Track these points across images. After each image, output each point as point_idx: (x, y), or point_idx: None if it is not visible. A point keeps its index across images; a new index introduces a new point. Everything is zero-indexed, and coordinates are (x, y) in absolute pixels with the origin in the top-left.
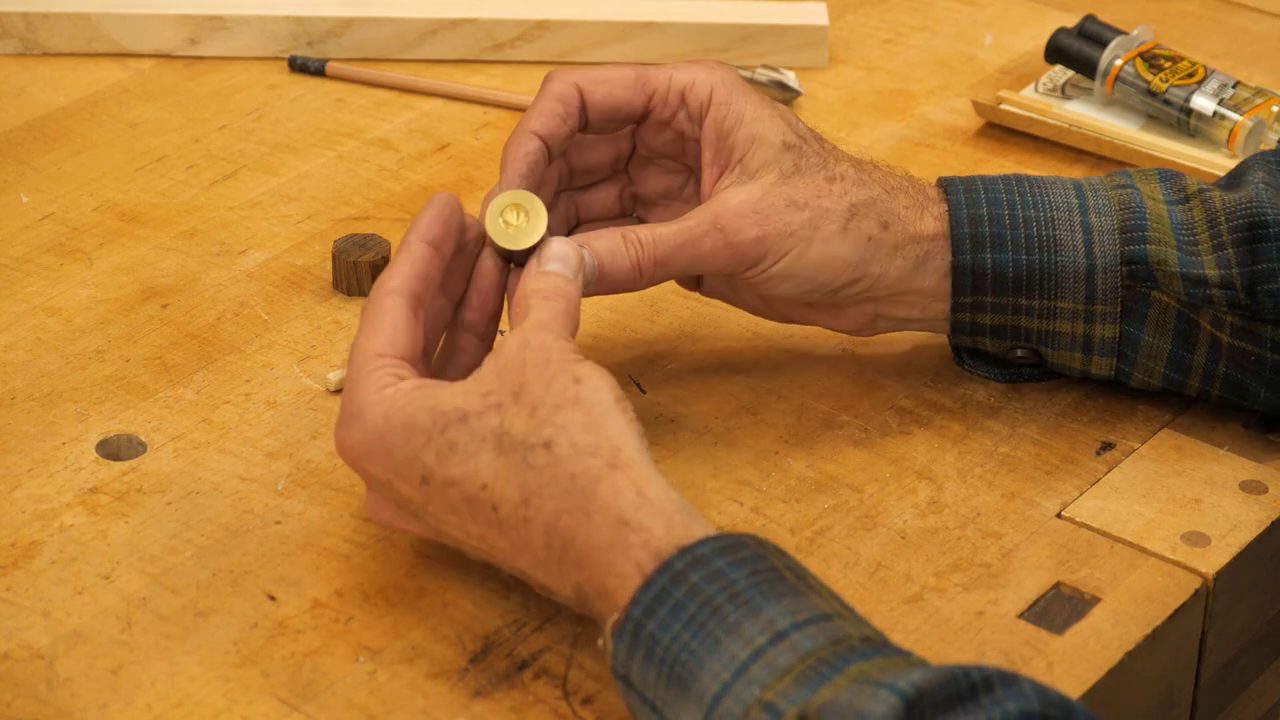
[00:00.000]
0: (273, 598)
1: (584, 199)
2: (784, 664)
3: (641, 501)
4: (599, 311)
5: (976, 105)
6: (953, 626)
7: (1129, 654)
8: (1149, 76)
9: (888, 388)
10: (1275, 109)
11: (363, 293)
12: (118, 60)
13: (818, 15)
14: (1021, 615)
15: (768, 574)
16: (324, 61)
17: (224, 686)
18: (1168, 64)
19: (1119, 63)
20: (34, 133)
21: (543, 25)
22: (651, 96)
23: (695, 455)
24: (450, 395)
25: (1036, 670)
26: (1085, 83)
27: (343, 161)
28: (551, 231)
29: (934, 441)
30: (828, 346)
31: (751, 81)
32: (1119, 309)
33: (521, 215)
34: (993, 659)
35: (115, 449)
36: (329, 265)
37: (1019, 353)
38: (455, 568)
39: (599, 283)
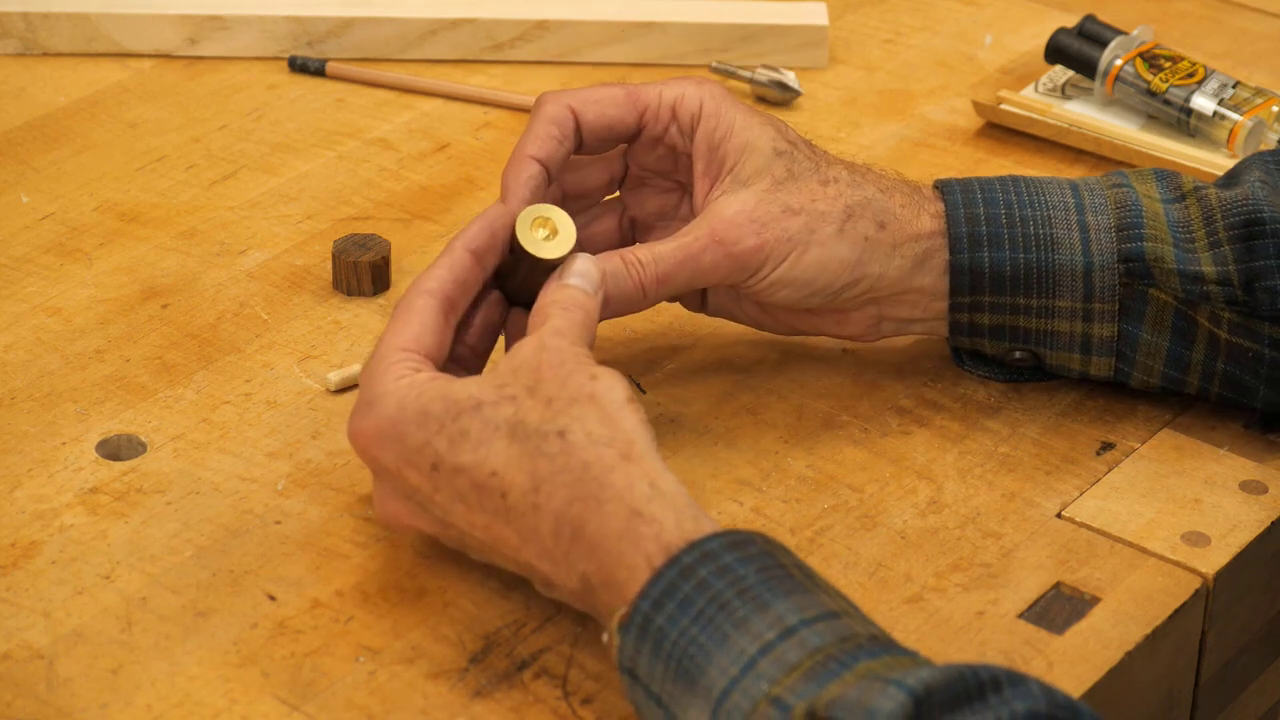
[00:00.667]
0: (273, 598)
1: (585, 234)
2: (792, 659)
3: (654, 493)
4: None
5: (976, 105)
6: (953, 626)
7: (1129, 654)
8: (1149, 76)
9: (888, 388)
10: (1275, 109)
11: (363, 293)
12: (118, 60)
13: (818, 15)
14: (1021, 615)
15: (776, 570)
16: (324, 61)
17: (224, 686)
18: (1168, 64)
19: (1119, 63)
20: (34, 133)
21: (543, 25)
22: (643, 113)
23: (695, 455)
24: (465, 385)
25: (1036, 670)
26: (1085, 83)
27: (343, 161)
28: None
29: (934, 441)
30: (828, 346)
31: (751, 82)
32: (1117, 307)
33: (550, 228)
34: (993, 659)
35: (115, 449)
36: (329, 265)
37: (1017, 355)
38: (455, 568)
39: (603, 307)
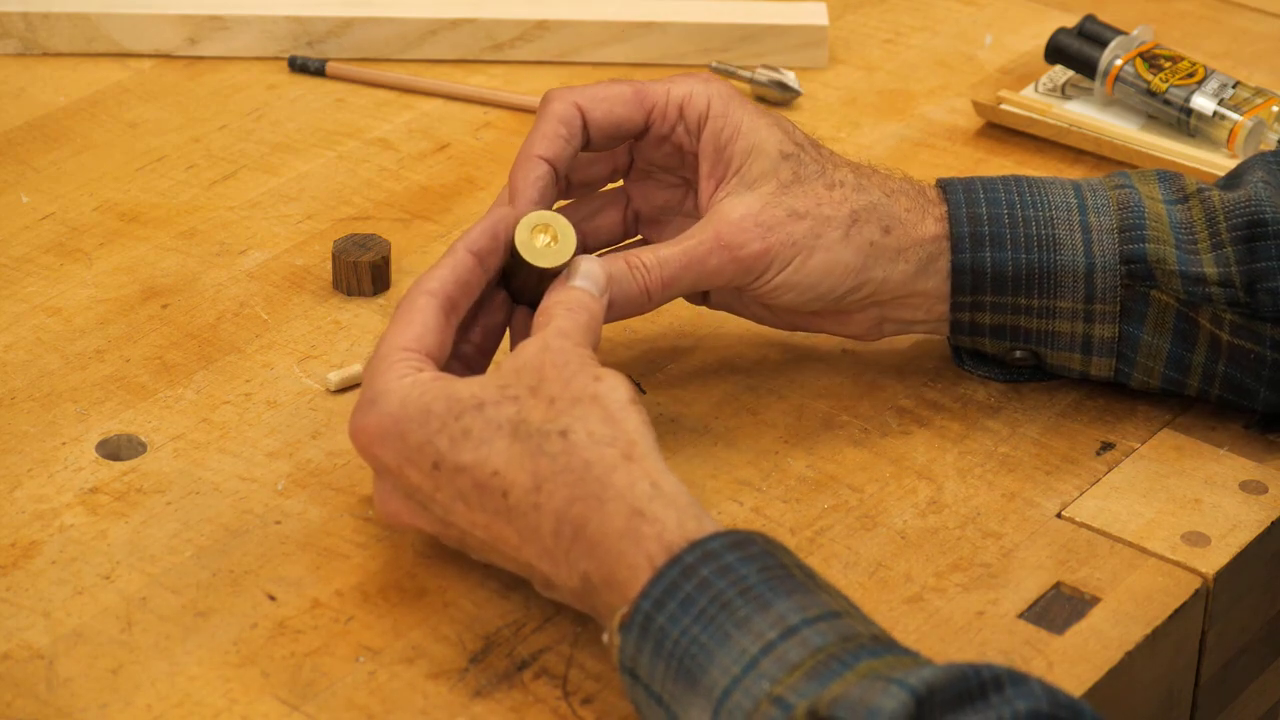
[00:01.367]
0: (273, 598)
1: (590, 226)
2: (794, 659)
3: (655, 493)
4: None
5: (976, 105)
6: (953, 626)
7: (1129, 654)
8: (1149, 76)
9: (888, 388)
10: (1275, 109)
11: (362, 293)
12: (118, 60)
13: (818, 15)
14: (1021, 615)
15: (777, 570)
16: (324, 61)
17: (224, 686)
18: (1168, 64)
19: (1119, 63)
20: (34, 133)
21: (543, 25)
22: (650, 111)
23: (695, 455)
24: (468, 385)
25: (1036, 670)
26: (1085, 83)
27: (343, 161)
28: None
29: (934, 441)
30: (828, 346)
31: (751, 82)
32: (1118, 308)
33: (550, 235)
34: (992, 659)
35: (115, 449)
36: (329, 265)
37: (1018, 354)
38: (455, 568)
39: (608, 311)
